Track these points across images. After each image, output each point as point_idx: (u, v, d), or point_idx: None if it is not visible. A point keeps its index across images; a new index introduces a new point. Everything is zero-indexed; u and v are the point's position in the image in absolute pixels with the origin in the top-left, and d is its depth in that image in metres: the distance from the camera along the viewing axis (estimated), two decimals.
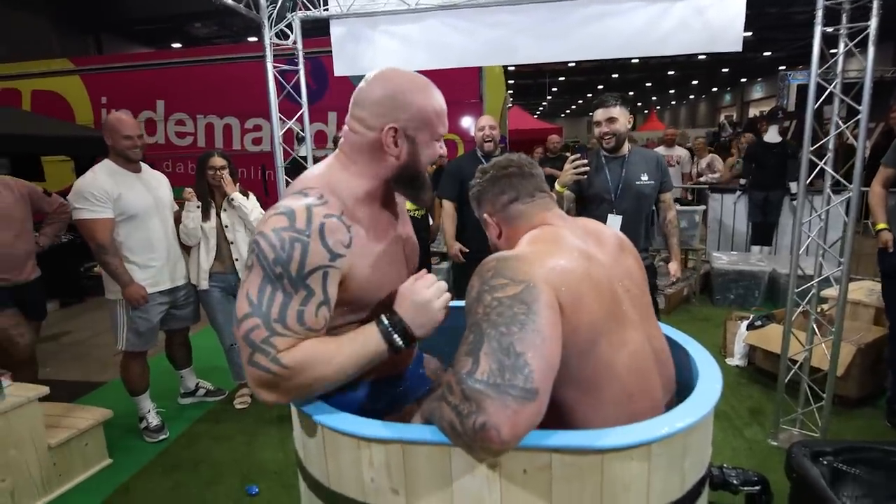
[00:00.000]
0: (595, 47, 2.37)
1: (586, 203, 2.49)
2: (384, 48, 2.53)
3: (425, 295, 0.96)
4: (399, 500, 0.90)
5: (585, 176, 2.32)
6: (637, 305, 1.01)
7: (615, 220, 2.37)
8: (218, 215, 2.77)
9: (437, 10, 2.44)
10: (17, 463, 2.14)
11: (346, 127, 1.02)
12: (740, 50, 2.21)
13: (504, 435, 0.72)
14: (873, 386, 2.85)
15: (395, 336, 0.94)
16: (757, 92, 23.99)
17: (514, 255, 0.92)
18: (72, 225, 3.94)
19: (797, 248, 2.32)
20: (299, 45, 2.62)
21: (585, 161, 2.29)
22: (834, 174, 2.22)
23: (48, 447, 2.25)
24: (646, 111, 31.98)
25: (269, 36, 2.51)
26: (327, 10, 2.58)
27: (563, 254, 0.94)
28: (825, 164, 2.22)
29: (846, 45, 2.08)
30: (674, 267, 2.55)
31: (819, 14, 2.05)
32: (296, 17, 2.60)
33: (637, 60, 19.87)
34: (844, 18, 2.08)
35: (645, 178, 2.41)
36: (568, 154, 7.16)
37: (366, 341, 0.93)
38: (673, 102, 35.38)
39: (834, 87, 2.14)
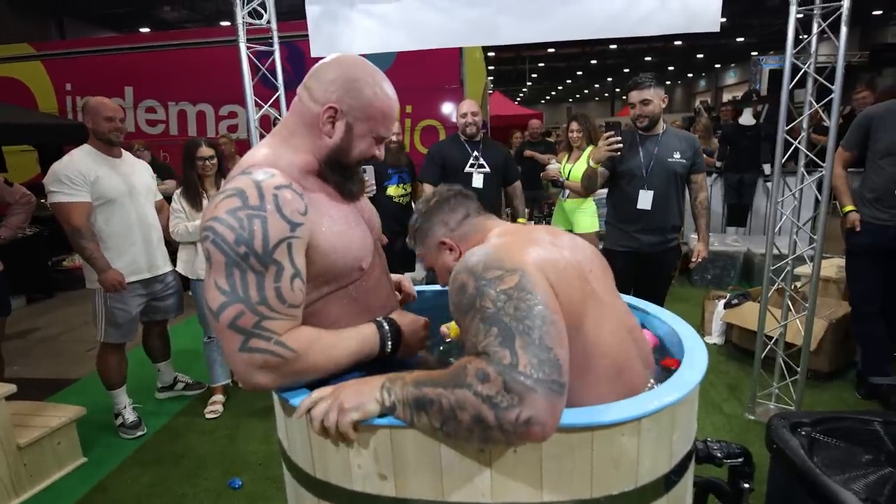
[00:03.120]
0: (576, 28, 2.34)
1: (618, 178, 2.52)
2: (362, 28, 2.46)
3: (421, 326, 1.11)
4: (388, 486, 0.88)
5: (619, 153, 2.35)
6: (603, 288, 1.03)
7: (646, 196, 2.42)
8: None
9: None
10: None
11: (296, 96, 1.02)
12: (717, 30, 2.21)
13: (548, 429, 0.73)
14: (843, 360, 2.95)
15: (389, 342, 1.02)
16: (730, 77, 24.42)
17: (494, 248, 0.92)
18: (37, 217, 3.79)
19: (772, 227, 2.37)
20: (273, 25, 2.52)
21: (619, 138, 2.32)
22: (808, 153, 2.26)
23: (17, 447, 2.16)
24: (624, 97, 32.24)
25: (241, 15, 2.41)
26: None
27: (533, 242, 0.96)
28: (799, 142, 2.26)
29: (819, 26, 2.10)
30: (700, 247, 2.60)
31: None
32: None
33: (615, 47, 19.99)
34: None
35: (677, 156, 2.44)
36: (550, 139, 7.18)
37: (363, 339, 0.99)
38: None
39: (808, 67, 2.17)
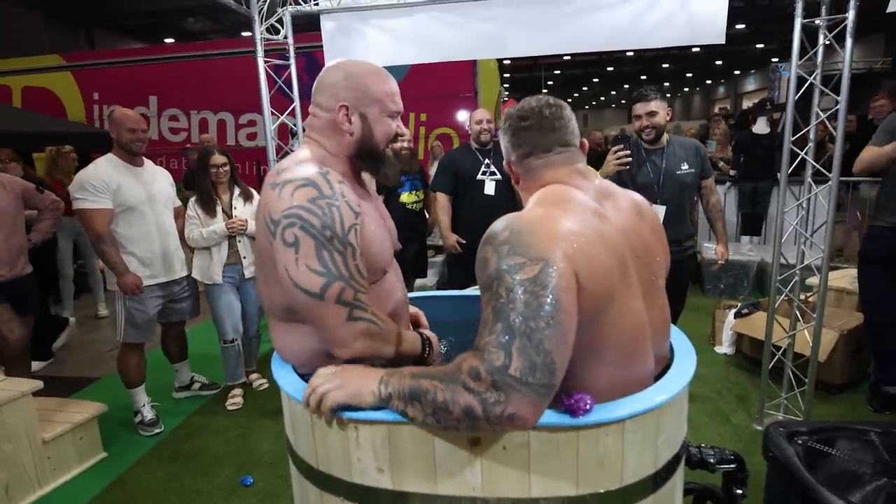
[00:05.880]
0: (583, 41, 2.39)
1: None
2: (375, 42, 2.55)
3: (436, 341, 1.23)
4: (385, 479, 0.93)
5: (628, 167, 2.37)
6: (642, 273, 1.00)
7: (659, 211, 2.42)
8: (224, 211, 2.80)
9: (427, 5, 2.45)
10: (11, 457, 2.16)
11: (310, 114, 1.12)
12: (723, 42, 2.24)
13: (529, 423, 0.82)
14: (857, 372, 2.91)
15: (427, 349, 1.17)
16: (750, 84, 24.08)
17: (526, 226, 0.89)
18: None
19: (779, 237, 2.37)
20: (290, 40, 2.63)
21: (628, 152, 2.34)
22: (814, 164, 2.26)
23: (42, 441, 2.27)
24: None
25: (259, 31, 2.52)
26: (318, 4, 2.59)
27: (574, 215, 0.93)
28: (806, 153, 2.27)
29: (825, 37, 2.12)
30: (721, 249, 2.63)
31: (799, 6, 2.08)
32: (286, 12, 2.61)
33: (632, 53, 19.91)
34: (823, 10, 2.11)
35: (685, 167, 2.46)
36: None
37: (413, 342, 1.14)
38: (668, 95, 35.44)
39: (814, 78, 2.18)
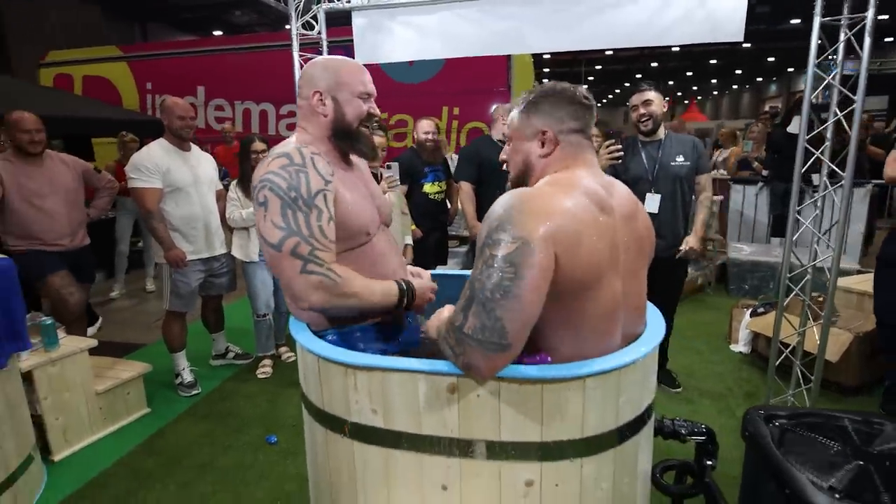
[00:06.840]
0: (600, 37, 2.47)
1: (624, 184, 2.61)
2: (402, 38, 2.70)
3: (429, 289, 1.34)
4: (378, 419, 1.09)
5: (620, 161, 2.44)
6: (630, 262, 1.09)
7: (653, 199, 2.49)
8: None
9: (451, 3, 2.58)
10: (69, 405, 2.46)
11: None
12: (741, 39, 2.27)
13: (483, 373, 0.98)
14: (871, 375, 2.87)
15: (405, 297, 1.25)
16: (804, 82, 22.85)
17: (519, 203, 0.96)
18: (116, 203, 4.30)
19: (791, 235, 2.39)
20: (323, 36, 2.82)
21: (619, 147, 2.42)
22: (830, 164, 2.27)
23: (95, 393, 2.56)
24: (686, 101, 30.99)
25: (295, 26, 2.72)
26: (350, 1, 2.76)
27: (576, 197, 0.99)
28: (822, 153, 2.27)
29: (845, 35, 2.12)
30: (689, 238, 2.58)
31: (818, 5, 2.09)
32: (321, 9, 2.79)
33: (678, 49, 19.25)
34: (846, 9, 2.12)
35: (680, 159, 2.51)
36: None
37: (387, 289, 1.23)
38: (715, 92, 34.08)
39: (833, 77, 2.18)
